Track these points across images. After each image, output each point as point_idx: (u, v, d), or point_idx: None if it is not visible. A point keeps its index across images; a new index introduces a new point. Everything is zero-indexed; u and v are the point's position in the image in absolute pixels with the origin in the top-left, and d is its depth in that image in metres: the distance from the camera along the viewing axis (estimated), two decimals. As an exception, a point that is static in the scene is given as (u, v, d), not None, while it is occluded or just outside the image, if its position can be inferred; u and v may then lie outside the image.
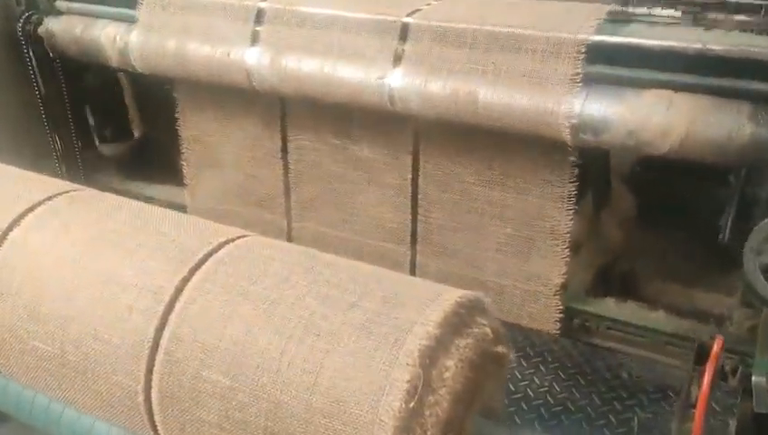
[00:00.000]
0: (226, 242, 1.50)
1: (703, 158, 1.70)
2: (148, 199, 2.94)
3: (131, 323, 1.39)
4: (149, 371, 1.36)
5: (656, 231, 2.40)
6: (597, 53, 1.80)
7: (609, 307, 2.17)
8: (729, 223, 2.06)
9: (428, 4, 2.15)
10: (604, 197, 2.34)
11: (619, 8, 2.00)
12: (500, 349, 1.30)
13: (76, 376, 1.47)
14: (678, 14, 1.95)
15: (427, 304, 1.25)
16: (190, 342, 1.33)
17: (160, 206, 2.91)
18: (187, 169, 2.64)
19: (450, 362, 1.19)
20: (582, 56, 1.79)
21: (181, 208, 2.76)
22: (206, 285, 1.40)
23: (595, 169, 2.28)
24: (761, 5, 1.92)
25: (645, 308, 2.15)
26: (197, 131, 2.55)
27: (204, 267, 1.44)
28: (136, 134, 3.26)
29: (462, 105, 1.92)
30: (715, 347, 1.47)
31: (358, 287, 1.32)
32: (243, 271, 1.40)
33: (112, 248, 1.52)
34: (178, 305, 1.38)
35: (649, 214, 2.39)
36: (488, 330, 1.28)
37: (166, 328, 1.36)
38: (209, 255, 1.46)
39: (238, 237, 1.53)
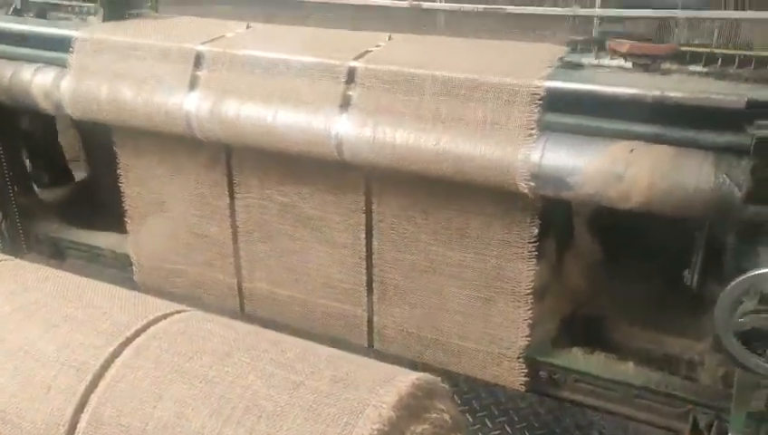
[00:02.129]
0: (163, 317, 1.41)
1: (668, 212, 1.62)
2: (92, 249, 2.81)
3: (48, 402, 1.28)
4: (64, 458, 1.25)
5: (620, 275, 2.32)
6: (553, 101, 1.71)
7: (577, 359, 2.09)
8: (697, 268, 1.99)
9: (378, 46, 2.06)
10: (566, 241, 2.25)
11: (567, 56, 1.92)
12: (458, 438, 1.22)
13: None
14: (628, 64, 1.87)
15: (381, 384, 1.18)
16: (113, 424, 1.23)
17: (106, 256, 2.88)
18: (130, 226, 2.50)
19: (405, 450, 1.11)
20: (539, 103, 1.70)
21: (127, 259, 2.62)
22: (137, 362, 1.30)
23: (556, 211, 2.19)
24: (716, 55, 1.86)
25: (614, 359, 2.06)
26: (139, 186, 2.41)
27: (135, 342, 1.34)
28: (76, 177, 3.10)
29: (414, 156, 1.84)
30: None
31: (306, 367, 1.24)
32: (179, 346, 1.31)
33: (34, 321, 1.41)
34: (103, 383, 1.28)
35: (614, 258, 2.31)
36: (446, 416, 1.21)
37: (86, 408, 1.26)
38: (143, 329, 1.37)
39: (176, 312, 1.45)
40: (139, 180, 2.42)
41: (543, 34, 2.04)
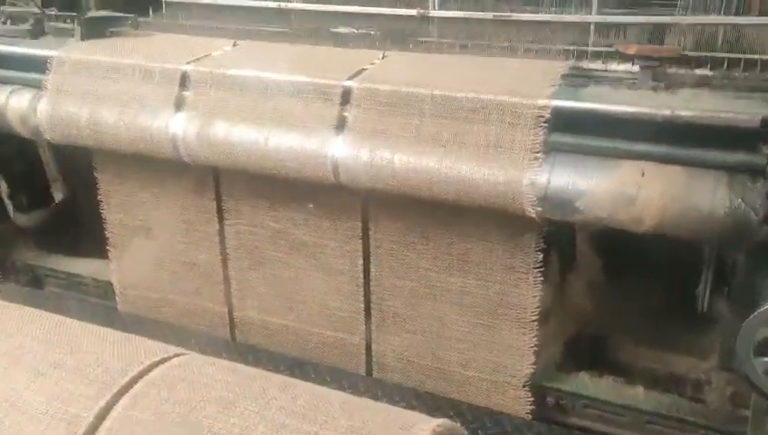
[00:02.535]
0: (161, 361, 1.32)
1: (682, 235, 1.57)
2: (72, 277, 2.69)
3: (37, 461, 1.19)
4: None
5: (624, 294, 2.27)
6: (560, 120, 1.65)
7: (585, 384, 2.03)
8: (707, 289, 1.94)
9: (372, 64, 1.98)
10: (569, 260, 2.19)
11: (574, 63, 1.87)
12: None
13: None
14: (635, 68, 1.83)
15: (400, 434, 1.11)
16: (110, 485, 1.14)
17: (87, 283, 2.77)
18: (113, 254, 2.39)
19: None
20: (544, 123, 1.63)
21: (110, 287, 2.51)
22: (134, 413, 1.21)
23: (558, 231, 2.14)
24: (723, 58, 1.83)
25: (622, 383, 2.00)
26: (122, 212, 2.31)
27: (132, 391, 1.24)
28: (56, 199, 2.96)
29: (414, 179, 1.77)
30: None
31: (319, 415, 1.16)
32: (179, 395, 1.22)
33: (19, 369, 1.31)
34: (98, 438, 1.18)
35: (617, 275, 2.26)
36: (468, 465, 1.12)
37: (79, 468, 1.16)
38: (139, 376, 1.27)
39: (175, 356, 1.35)
40: (121, 206, 2.32)
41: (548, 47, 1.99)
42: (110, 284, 2.52)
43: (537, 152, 1.66)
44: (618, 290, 2.28)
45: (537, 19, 2.13)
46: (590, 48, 1.99)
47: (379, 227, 1.98)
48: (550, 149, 1.67)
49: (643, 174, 1.56)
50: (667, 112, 1.59)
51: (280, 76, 1.95)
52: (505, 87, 1.76)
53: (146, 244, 2.35)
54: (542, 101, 1.67)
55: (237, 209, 2.14)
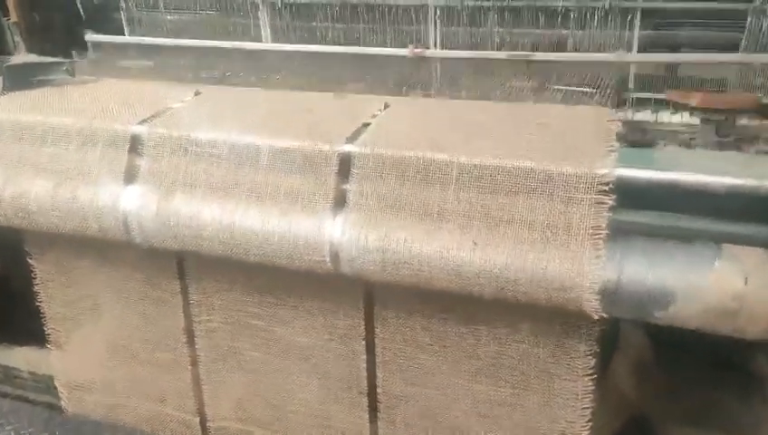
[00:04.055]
0: None
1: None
2: (5, 369, 2.23)
3: None
4: None
5: (671, 375, 1.93)
6: (626, 193, 1.28)
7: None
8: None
9: (374, 116, 1.60)
10: (613, 345, 1.84)
11: (623, 115, 1.53)
12: None
13: None
14: (695, 120, 1.49)
15: None
16: None
17: (24, 377, 2.31)
18: (54, 353, 1.94)
19: None
20: (609, 198, 1.27)
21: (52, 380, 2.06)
22: None
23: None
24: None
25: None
26: (65, 306, 1.87)
27: None
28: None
29: (434, 270, 1.38)
30: None
31: None
32: None
33: None
34: None
35: (663, 356, 1.91)
36: None
37: None
38: None
39: None
40: (63, 298, 1.88)
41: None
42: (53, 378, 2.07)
43: (601, 236, 1.29)
44: (664, 371, 1.95)
45: (564, 59, 1.78)
46: (634, 94, 1.65)
47: (387, 326, 1.59)
48: (616, 232, 1.30)
49: (746, 281, 1.19)
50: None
51: (260, 140, 1.55)
52: (549, 149, 1.39)
53: (96, 340, 1.91)
54: (602, 169, 1.31)
55: (208, 302, 1.73)
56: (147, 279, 1.75)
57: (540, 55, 1.72)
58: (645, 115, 1.59)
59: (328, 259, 1.47)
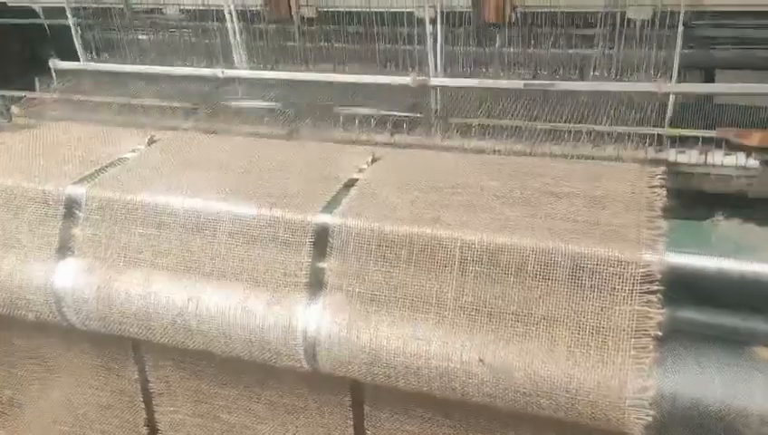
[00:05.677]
0: None
1: None
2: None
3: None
4: None
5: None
6: (674, 285, 1.01)
7: None
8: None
9: (360, 171, 1.33)
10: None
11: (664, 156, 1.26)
12: None
13: None
14: (754, 163, 1.24)
15: None
16: None
17: None
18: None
19: None
20: (656, 291, 0.99)
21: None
22: None
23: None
24: None
25: None
26: (9, 387, 1.58)
27: None
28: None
29: (435, 372, 1.11)
30: None
31: None
32: None
33: None
34: None
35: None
36: None
37: None
38: None
39: None
40: (7, 381, 1.59)
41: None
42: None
43: (648, 339, 1.00)
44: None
45: (584, 88, 1.49)
46: (667, 131, 1.36)
47: (381, 428, 1.30)
48: (665, 333, 1.02)
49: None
50: None
51: (222, 205, 1.26)
52: (578, 224, 1.11)
53: (47, 430, 1.63)
54: (648, 256, 1.02)
55: (171, 392, 1.45)
56: (100, 365, 1.47)
57: (561, 85, 1.43)
58: (690, 156, 1.31)
59: (302, 355, 1.19)
